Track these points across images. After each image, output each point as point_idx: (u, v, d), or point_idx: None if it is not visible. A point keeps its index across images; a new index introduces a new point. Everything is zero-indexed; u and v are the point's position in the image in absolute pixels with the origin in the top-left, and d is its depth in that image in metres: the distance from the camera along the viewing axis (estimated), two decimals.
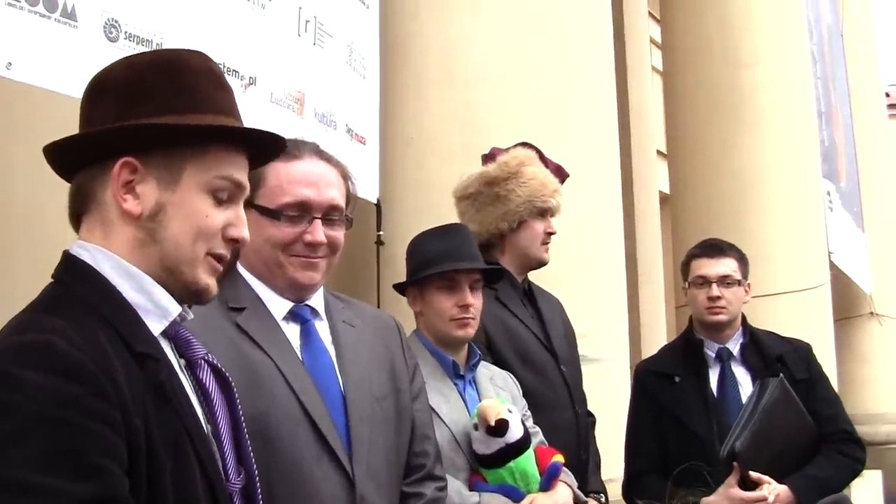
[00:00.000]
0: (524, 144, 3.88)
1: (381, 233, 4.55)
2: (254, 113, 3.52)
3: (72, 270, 1.68)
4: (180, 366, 1.74)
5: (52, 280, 1.69)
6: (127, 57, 1.78)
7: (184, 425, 1.63)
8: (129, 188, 1.67)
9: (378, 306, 4.22)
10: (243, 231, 1.76)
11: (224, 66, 3.41)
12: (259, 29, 3.66)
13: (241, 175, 1.76)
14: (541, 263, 3.79)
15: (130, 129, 1.65)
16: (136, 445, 1.53)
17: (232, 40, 3.49)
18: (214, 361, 1.80)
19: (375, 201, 4.53)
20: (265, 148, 1.86)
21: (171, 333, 1.73)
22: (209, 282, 1.73)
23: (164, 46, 3.11)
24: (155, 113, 1.67)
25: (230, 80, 3.39)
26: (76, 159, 1.72)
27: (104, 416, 1.49)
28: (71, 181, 1.74)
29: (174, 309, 1.71)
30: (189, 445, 1.62)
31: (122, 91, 1.69)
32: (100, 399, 1.49)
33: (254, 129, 1.81)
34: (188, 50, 1.80)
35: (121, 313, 1.63)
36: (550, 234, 3.77)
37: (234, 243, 1.75)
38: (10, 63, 2.62)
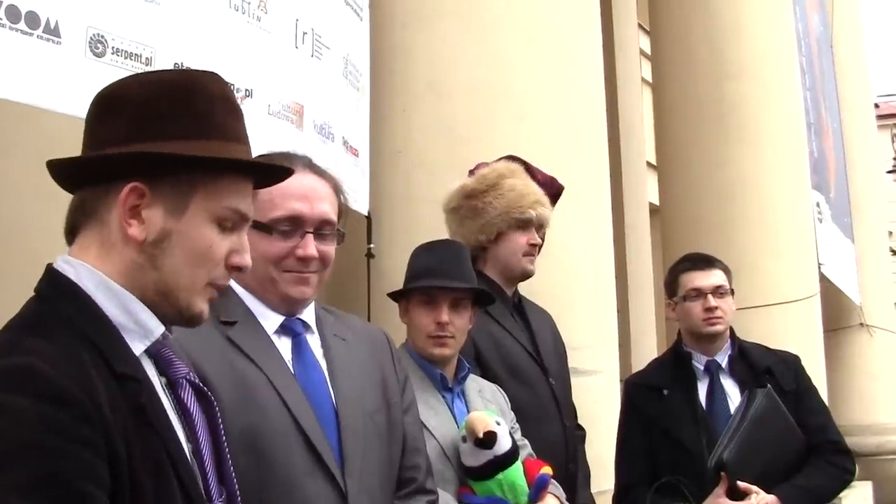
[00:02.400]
0: (510, 158, 3.89)
1: (372, 245, 4.54)
2: (251, 125, 3.52)
3: (54, 286, 1.66)
4: (161, 385, 1.73)
5: (34, 294, 1.67)
6: (139, 74, 1.75)
7: (165, 447, 1.62)
8: (135, 213, 1.65)
9: (368, 319, 4.22)
10: (246, 258, 1.75)
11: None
12: (254, 41, 3.65)
13: (247, 205, 1.75)
14: (524, 275, 3.79)
15: (142, 156, 1.63)
16: (118, 468, 1.52)
17: (225, 53, 3.47)
18: (196, 380, 1.79)
19: (366, 214, 4.53)
20: (271, 174, 1.85)
21: (152, 351, 1.72)
22: (203, 307, 1.72)
23: (154, 61, 3.11)
24: (167, 137, 1.65)
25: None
26: (82, 176, 1.70)
27: (88, 440, 1.48)
28: (73, 193, 1.72)
29: (157, 329, 1.69)
30: (170, 467, 1.61)
31: (135, 111, 1.67)
32: (84, 424, 1.48)
33: (266, 163, 1.81)
34: (204, 72, 1.78)
35: (102, 332, 1.62)
36: (535, 245, 3.77)
37: (237, 270, 1.74)
38: None
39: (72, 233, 1.72)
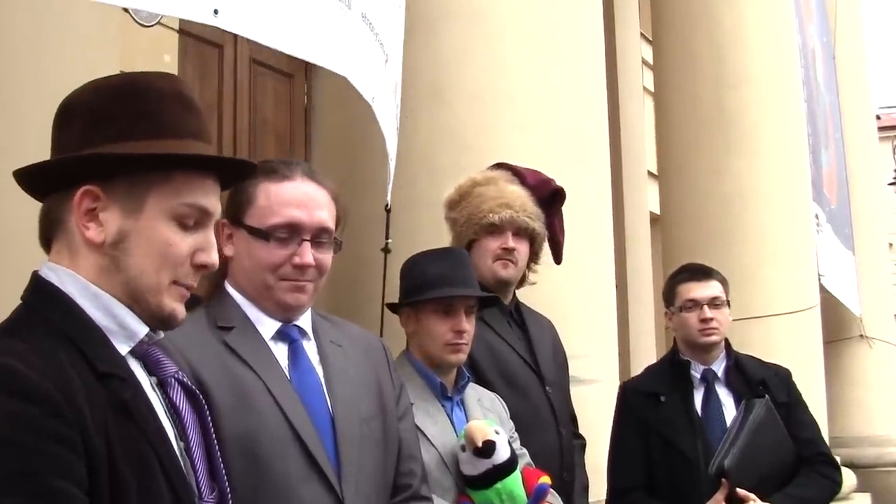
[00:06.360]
0: (497, 165, 3.87)
1: (390, 240, 4.33)
2: (388, 93, 3.51)
3: (38, 292, 1.68)
4: (151, 384, 1.73)
5: (21, 301, 1.69)
6: (94, 80, 1.76)
7: (150, 443, 1.62)
8: (92, 216, 1.66)
9: (381, 316, 4.14)
10: (212, 256, 1.75)
11: (379, 40, 3.35)
12: (391, 12, 3.61)
13: (208, 200, 1.74)
14: (499, 281, 3.68)
15: (89, 158, 1.64)
16: (96, 465, 1.52)
17: (388, 23, 3.45)
18: (185, 379, 1.80)
19: (386, 207, 4.28)
20: (237, 171, 1.85)
21: (140, 352, 1.73)
22: (175, 307, 1.72)
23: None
24: (118, 139, 1.65)
25: (382, 54, 3.35)
26: (44, 183, 1.71)
27: (61, 436, 1.49)
28: (42, 202, 1.74)
29: (141, 330, 1.70)
30: (156, 463, 1.62)
31: (87, 116, 1.68)
32: (56, 420, 1.49)
33: (215, 157, 1.79)
34: (156, 73, 1.78)
35: (85, 334, 1.63)
36: (508, 249, 3.66)
37: (203, 269, 1.74)
38: (216, 10, 2.54)
39: (46, 241, 1.74)
